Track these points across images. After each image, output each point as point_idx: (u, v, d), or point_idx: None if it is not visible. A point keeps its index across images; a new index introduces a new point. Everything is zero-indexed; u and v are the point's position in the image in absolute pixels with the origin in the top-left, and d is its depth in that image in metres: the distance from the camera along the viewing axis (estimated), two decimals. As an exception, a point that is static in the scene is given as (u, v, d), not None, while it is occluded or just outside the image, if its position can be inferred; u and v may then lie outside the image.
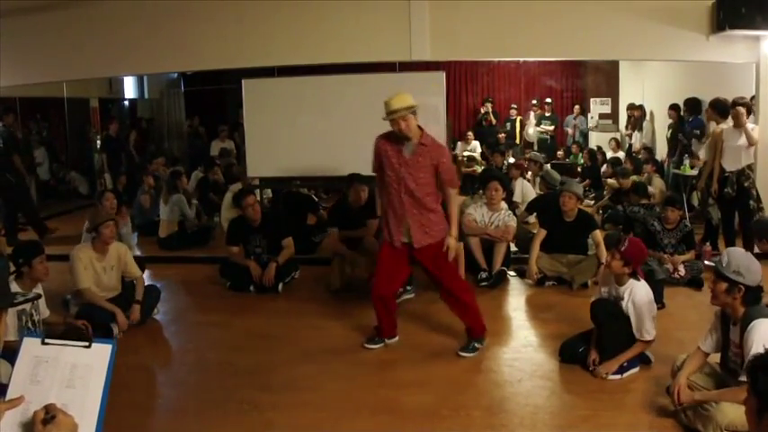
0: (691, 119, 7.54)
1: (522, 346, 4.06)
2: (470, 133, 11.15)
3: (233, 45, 6.12)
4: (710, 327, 3.01)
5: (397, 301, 4.83)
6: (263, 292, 5.15)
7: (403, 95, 3.68)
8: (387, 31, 5.95)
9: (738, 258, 2.80)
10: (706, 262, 5.24)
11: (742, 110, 5.49)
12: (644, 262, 3.72)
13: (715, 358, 3.10)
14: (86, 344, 1.27)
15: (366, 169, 4.76)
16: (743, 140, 5.54)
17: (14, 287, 3.53)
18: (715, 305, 2.92)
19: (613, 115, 11.22)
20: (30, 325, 3.68)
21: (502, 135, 11.01)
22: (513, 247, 5.76)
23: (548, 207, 5.70)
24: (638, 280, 3.53)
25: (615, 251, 3.52)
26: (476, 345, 3.90)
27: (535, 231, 5.64)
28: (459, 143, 10.92)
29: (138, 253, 6.43)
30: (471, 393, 3.38)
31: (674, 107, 8.06)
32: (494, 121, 11.46)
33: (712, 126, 6.32)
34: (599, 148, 10.09)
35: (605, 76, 11.46)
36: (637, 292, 3.47)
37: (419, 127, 3.72)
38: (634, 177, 7.57)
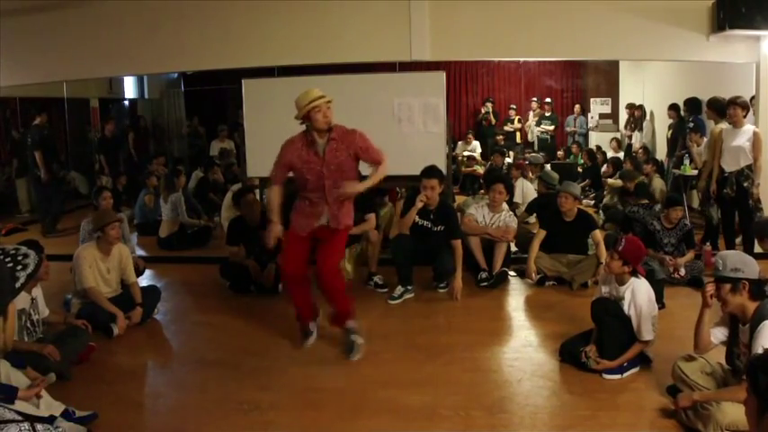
0: (691, 119, 7.54)
1: (522, 346, 4.06)
2: (471, 133, 11.18)
3: (233, 45, 6.11)
4: (719, 321, 3.04)
5: (398, 301, 4.87)
6: (264, 292, 5.15)
7: (315, 89, 3.65)
8: (387, 31, 5.94)
9: (732, 257, 2.86)
10: (707, 273, 5.25)
11: (738, 110, 5.49)
12: (643, 260, 3.72)
13: (717, 357, 3.10)
14: None
15: (365, 168, 4.76)
16: (742, 141, 5.54)
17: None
18: (726, 312, 2.93)
19: (613, 115, 11.23)
20: (29, 324, 3.68)
21: (500, 137, 11.02)
22: (513, 247, 5.76)
23: (547, 207, 5.70)
24: (639, 278, 3.54)
25: (613, 252, 3.54)
26: (354, 328, 3.92)
27: (535, 231, 5.65)
28: (459, 143, 10.94)
29: (141, 252, 6.44)
30: (471, 393, 3.37)
31: (673, 107, 8.06)
32: (494, 121, 11.48)
33: (711, 125, 6.33)
34: (598, 147, 10.10)
35: (605, 76, 11.47)
36: (638, 292, 3.48)
37: None
38: (640, 179, 7.56)
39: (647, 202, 6.37)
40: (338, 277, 3.90)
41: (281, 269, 3.96)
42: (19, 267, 1.34)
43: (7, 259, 1.35)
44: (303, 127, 3.78)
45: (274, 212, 3.83)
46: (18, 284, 1.32)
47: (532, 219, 6.80)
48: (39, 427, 1.15)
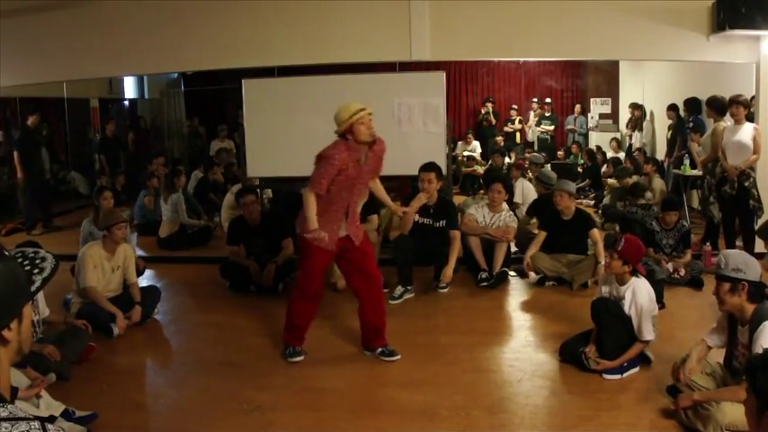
0: (690, 119, 7.54)
1: (522, 346, 4.06)
2: (471, 133, 11.18)
3: (233, 45, 6.11)
4: (716, 325, 3.03)
5: (398, 301, 4.87)
6: (263, 292, 5.15)
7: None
8: (387, 31, 5.94)
9: (735, 257, 2.84)
10: (706, 270, 5.25)
11: (740, 108, 5.50)
12: (642, 259, 3.73)
13: (717, 358, 3.10)
14: None
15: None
16: (744, 137, 5.54)
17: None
18: (723, 311, 2.93)
19: (613, 115, 11.22)
20: (30, 325, 3.68)
21: (499, 138, 11.04)
22: (514, 248, 5.76)
23: (545, 207, 5.70)
24: (639, 277, 3.55)
25: (612, 252, 3.54)
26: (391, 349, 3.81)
27: (536, 232, 5.65)
28: (459, 143, 10.94)
29: (141, 252, 6.44)
30: (471, 393, 3.37)
31: (672, 108, 8.06)
32: (494, 122, 11.48)
33: (711, 125, 6.32)
34: (598, 148, 10.09)
35: (605, 76, 11.46)
36: (638, 292, 3.48)
37: None
38: (635, 177, 7.56)
39: (645, 202, 6.38)
40: (381, 291, 3.89)
41: (301, 287, 3.73)
42: (36, 271, 1.35)
43: (26, 262, 1.35)
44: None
45: (314, 221, 3.52)
46: (34, 288, 1.32)
47: (533, 220, 6.79)
48: (49, 426, 1.15)
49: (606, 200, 8.08)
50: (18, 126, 8.71)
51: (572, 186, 5.50)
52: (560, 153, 10.91)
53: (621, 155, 9.51)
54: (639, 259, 3.60)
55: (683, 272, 5.14)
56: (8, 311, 1.22)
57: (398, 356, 3.78)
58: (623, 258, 3.49)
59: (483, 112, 11.64)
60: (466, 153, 10.67)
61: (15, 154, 7.69)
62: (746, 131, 5.55)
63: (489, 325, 4.45)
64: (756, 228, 5.29)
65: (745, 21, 5.40)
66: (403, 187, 6.47)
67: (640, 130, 9.51)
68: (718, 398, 2.77)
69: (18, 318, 1.25)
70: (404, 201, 5.39)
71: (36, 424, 1.13)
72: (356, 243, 3.68)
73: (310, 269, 3.69)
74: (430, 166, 5.06)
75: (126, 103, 11.30)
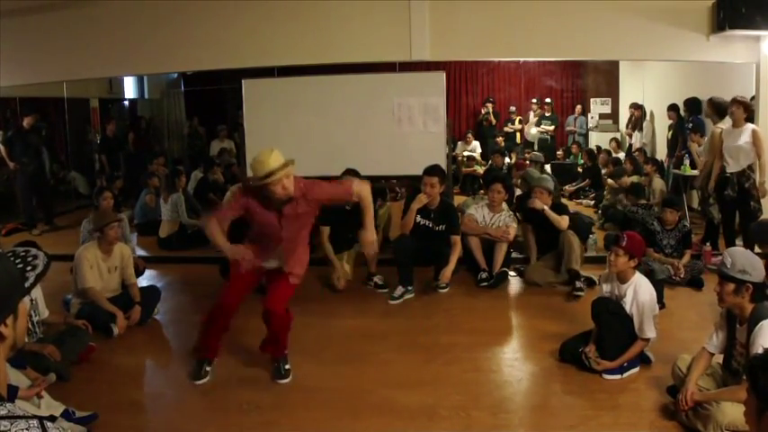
0: (690, 119, 7.53)
1: (522, 346, 4.06)
2: (470, 133, 11.18)
3: (233, 45, 6.11)
4: (716, 326, 3.02)
5: (398, 301, 4.87)
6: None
7: (274, 152, 3.21)
8: (387, 31, 5.94)
9: (741, 257, 2.81)
10: (708, 266, 5.25)
11: (741, 108, 5.48)
12: (644, 253, 3.78)
13: (716, 358, 3.10)
14: None
15: (365, 168, 4.76)
16: (742, 140, 5.52)
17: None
18: (723, 308, 2.92)
19: (613, 115, 11.21)
20: (30, 326, 3.68)
21: (500, 139, 11.03)
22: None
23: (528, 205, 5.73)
24: (640, 274, 3.58)
25: (617, 249, 3.53)
26: (287, 366, 3.64)
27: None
28: (459, 143, 10.94)
29: (141, 252, 6.43)
30: (471, 393, 3.37)
31: (672, 108, 8.05)
32: (494, 122, 11.48)
33: (710, 125, 6.32)
34: (599, 148, 10.08)
35: (605, 76, 11.45)
36: (640, 290, 3.50)
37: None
38: (633, 178, 7.57)
39: (645, 202, 6.38)
40: (287, 317, 3.64)
41: (216, 298, 3.60)
42: (29, 268, 1.37)
43: (17, 260, 1.37)
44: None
45: (221, 241, 3.38)
46: (27, 284, 1.34)
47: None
48: (48, 424, 1.15)
49: (606, 200, 8.08)
50: (16, 126, 8.73)
51: (550, 183, 5.54)
52: (560, 153, 10.92)
53: (621, 155, 9.50)
54: (643, 252, 3.65)
55: (682, 273, 5.13)
56: (3, 307, 1.23)
57: (288, 379, 3.59)
58: (629, 253, 3.51)
59: (483, 112, 11.65)
60: (466, 153, 10.67)
61: (1, 148, 7.76)
62: (745, 134, 5.51)
63: (489, 325, 4.45)
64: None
65: (745, 21, 5.39)
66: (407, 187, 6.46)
67: (640, 130, 9.50)
68: (718, 398, 2.77)
69: (14, 314, 1.26)
70: (406, 200, 5.39)
71: (35, 422, 1.13)
72: (286, 269, 3.53)
73: (230, 282, 3.61)
74: (433, 171, 5.03)
75: (126, 103, 11.30)
